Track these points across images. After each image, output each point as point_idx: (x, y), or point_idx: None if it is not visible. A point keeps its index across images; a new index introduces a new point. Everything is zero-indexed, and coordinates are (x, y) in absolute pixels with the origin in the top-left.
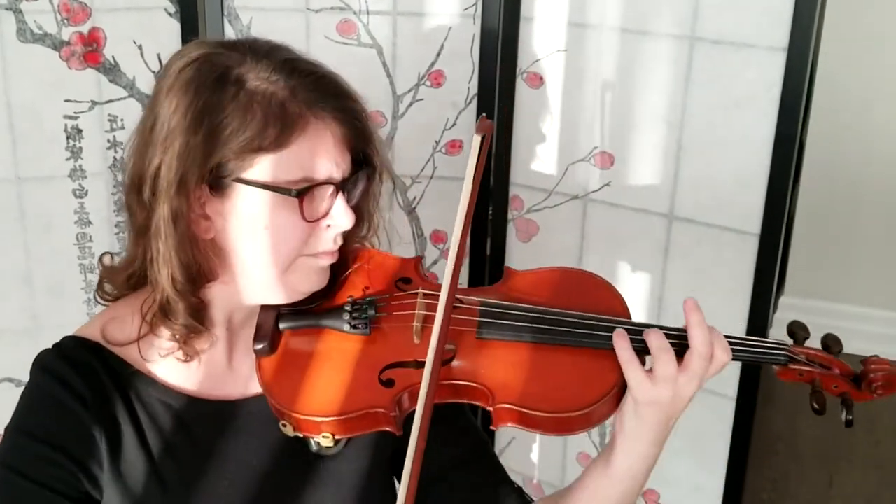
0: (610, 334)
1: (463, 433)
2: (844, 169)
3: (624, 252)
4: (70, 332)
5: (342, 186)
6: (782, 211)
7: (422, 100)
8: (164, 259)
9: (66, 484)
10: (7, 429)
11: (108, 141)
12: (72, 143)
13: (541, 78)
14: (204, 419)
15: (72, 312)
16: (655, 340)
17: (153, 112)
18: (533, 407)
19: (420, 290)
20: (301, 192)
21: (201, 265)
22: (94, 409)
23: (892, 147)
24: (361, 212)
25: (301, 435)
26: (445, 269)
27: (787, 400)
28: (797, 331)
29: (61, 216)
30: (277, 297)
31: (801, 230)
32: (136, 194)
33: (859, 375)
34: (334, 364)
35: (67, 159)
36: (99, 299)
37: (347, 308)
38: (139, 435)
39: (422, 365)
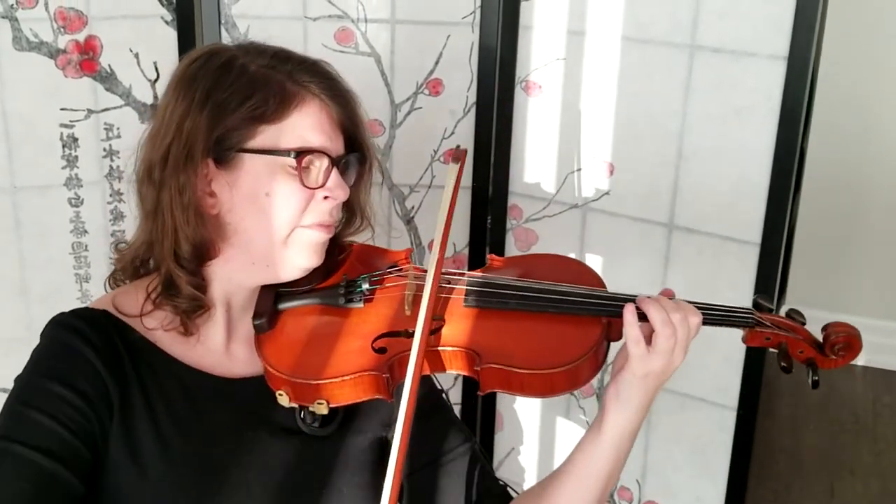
0: (595, 301)
1: (446, 429)
2: (845, 178)
3: (624, 261)
4: None
5: (336, 162)
6: (783, 220)
7: (420, 108)
8: (169, 232)
9: (78, 424)
10: (17, 377)
11: (104, 150)
12: (67, 151)
13: (539, 86)
14: (207, 392)
15: None
16: (658, 314)
17: (163, 104)
18: (518, 365)
19: (410, 266)
20: (299, 154)
21: (205, 239)
22: (108, 362)
23: (893, 155)
24: (353, 203)
25: (297, 405)
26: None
27: (788, 410)
28: (762, 302)
29: (57, 225)
30: (276, 272)
31: (802, 239)
32: (147, 178)
33: (822, 341)
34: (330, 334)
35: (63, 168)
36: (109, 288)
37: (342, 284)
38: (146, 397)
39: (412, 335)
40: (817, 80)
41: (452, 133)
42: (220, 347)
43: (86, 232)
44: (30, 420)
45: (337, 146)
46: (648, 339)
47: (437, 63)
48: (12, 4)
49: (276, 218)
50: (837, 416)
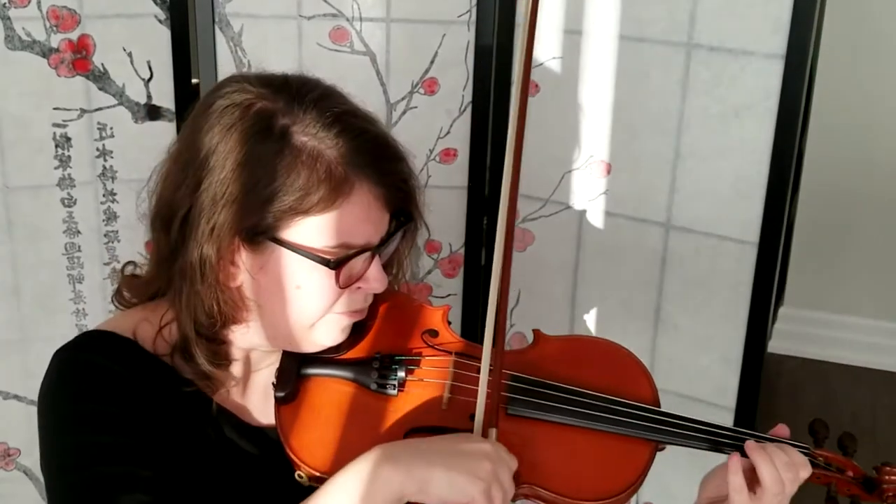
0: (642, 423)
1: None
2: (844, 177)
3: (621, 261)
4: (58, 345)
5: (378, 249)
6: (781, 220)
7: (415, 108)
8: (187, 301)
9: (134, 434)
10: (53, 429)
11: (98, 149)
12: (60, 151)
13: (536, 85)
14: (235, 432)
15: (60, 324)
16: (768, 471)
17: (190, 148)
18: (558, 491)
19: (452, 355)
20: (339, 264)
21: (225, 312)
22: (146, 390)
23: (892, 155)
24: (393, 259)
25: (316, 485)
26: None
27: (786, 412)
28: (819, 429)
29: (49, 226)
30: (298, 349)
31: (800, 240)
32: (164, 227)
33: (872, 481)
34: (357, 422)
35: (56, 168)
36: (116, 304)
37: (375, 365)
38: (181, 430)
39: (446, 431)
40: (815, 79)
41: (448, 133)
42: (237, 396)
43: (79, 232)
44: (85, 444)
45: (381, 230)
46: (750, 483)
47: (432, 62)
48: (4, 3)
49: (305, 309)
50: (837, 418)
